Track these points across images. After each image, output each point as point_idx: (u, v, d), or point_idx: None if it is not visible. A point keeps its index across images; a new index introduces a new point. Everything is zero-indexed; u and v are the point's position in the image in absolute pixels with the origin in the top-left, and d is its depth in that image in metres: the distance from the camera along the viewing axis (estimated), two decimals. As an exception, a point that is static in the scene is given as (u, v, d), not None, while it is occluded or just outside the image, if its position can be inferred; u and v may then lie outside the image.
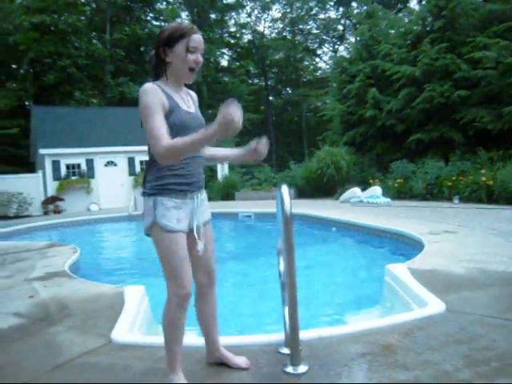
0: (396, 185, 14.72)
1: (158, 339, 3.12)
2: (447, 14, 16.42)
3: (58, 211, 18.48)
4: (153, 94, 2.12)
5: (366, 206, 12.85)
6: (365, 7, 23.90)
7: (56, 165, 19.62)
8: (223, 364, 2.53)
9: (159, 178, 2.21)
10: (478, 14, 16.43)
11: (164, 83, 2.25)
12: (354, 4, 37.77)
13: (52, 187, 19.30)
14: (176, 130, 2.14)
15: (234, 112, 1.83)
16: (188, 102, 2.34)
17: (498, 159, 12.92)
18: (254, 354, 2.63)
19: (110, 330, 3.19)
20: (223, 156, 2.55)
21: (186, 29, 2.20)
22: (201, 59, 2.23)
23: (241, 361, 2.50)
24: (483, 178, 11.66)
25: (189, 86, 2.42)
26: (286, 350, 2.67)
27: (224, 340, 2.65)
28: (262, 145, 2.34)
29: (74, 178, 19.87)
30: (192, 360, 2.63)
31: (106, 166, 20.73)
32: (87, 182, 19.92)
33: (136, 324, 3.46)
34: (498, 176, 11.45)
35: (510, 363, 2.40)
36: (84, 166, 20.20)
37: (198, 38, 2.20)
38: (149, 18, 35.02)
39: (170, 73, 2.26)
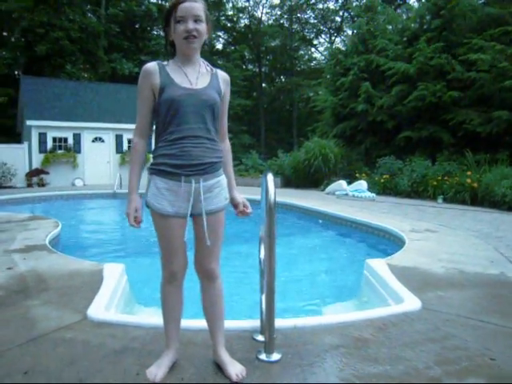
0: (382, 180, 14.81)
1: (135, 318, 3.13)
2: (445, 14, 16.46)
3: (41, 184, 18.32)
4: (142, 77, 2.21)
5: (350, 199, 12.92)
6: (364, 0, 23.80)
7: (42, 137, 19.38)
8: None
9: (155, 157, 2.22)
10: (476, 16, 16.48)
11: (173, 61, 2.25)
12: (354, -4, 37.59)
13: (37, 159, 19.09)
14: (167, 105, 2.14)
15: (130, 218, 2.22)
16: (196, 78, 2.22)
17: (485, 162, 13.05)
18: (229, 339, 2.64)
19: (86, 306, 3.18)
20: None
21: (174, 2, 2.14)
22: (191, 26, 2.11)
23: (233, 371, 2.25)
24: (468, 180, 11.77)
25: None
26: (260, 337, 2.69)
27: (200, 323, 2.65)
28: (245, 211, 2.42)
29: (60, 151, 19.64)
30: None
31: (93, 141, 20.54)
32: (73, 157, 19.72)
33: (113, 302, 3.45)
34: (483, 179, 11.57)
35: (480, 364, 2.44)
36: (71, 141, 19.99)
37: (184, 7, 2.12)
38: (146, -5, 34.51)
39: (178, 50, 2.24)
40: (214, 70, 2.33)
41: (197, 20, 2.13)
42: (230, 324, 2.91)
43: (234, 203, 2.40)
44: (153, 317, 3.18)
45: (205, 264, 2.31)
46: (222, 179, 2.31)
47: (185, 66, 2.23)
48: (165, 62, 2.24)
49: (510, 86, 13.73)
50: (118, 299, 3.59)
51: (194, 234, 2.31)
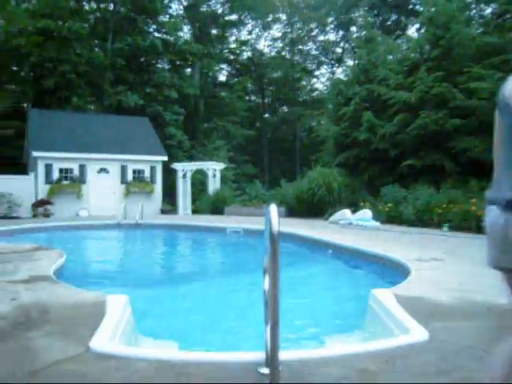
0: (386, 209, 14.77)
1: (138, 350, 3.10)
2: (444, 44, 16.71)
3: (46, 215, 18.37)
4: None
5: (355, 228, 12.88)
6: (364, 32, 24.22)
7: (48, 168, 19.56)
8: None
9: None
10: (475, 45, 16.73)
11: None
12: (354, 28, 38.31)
13: (43, 190, 19.21)
14: None
15: None
16: None
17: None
18: (234, 371, 2.61)
19: (89, 338, 3.15)
20: None
21: None
22: None
23: None
24: (473, 208, 11.72)
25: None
26: (265, 370, 2.65)
27: (205, 356, 2.62)
28: None
29: (65, 182, 19.78)
30: None
31: (98, 172, 20.69)
32: (78, 187, 19.84)
33: (117, 334, 3.41)
34: (488, 206, 11.51)
35: (489, 395, 2.39)
36: (76, 171, 20.15)
37: None
38: (151, 29, 35.19)
39: None
40: None
41: None
42: (234, 356, 2.87)
43: None
44: (156, 349, 3.15)
45: None
46: None
47: None
48: None
49: (511, 114, 13.78)
50: (122, 331, 3.56)
51: None
